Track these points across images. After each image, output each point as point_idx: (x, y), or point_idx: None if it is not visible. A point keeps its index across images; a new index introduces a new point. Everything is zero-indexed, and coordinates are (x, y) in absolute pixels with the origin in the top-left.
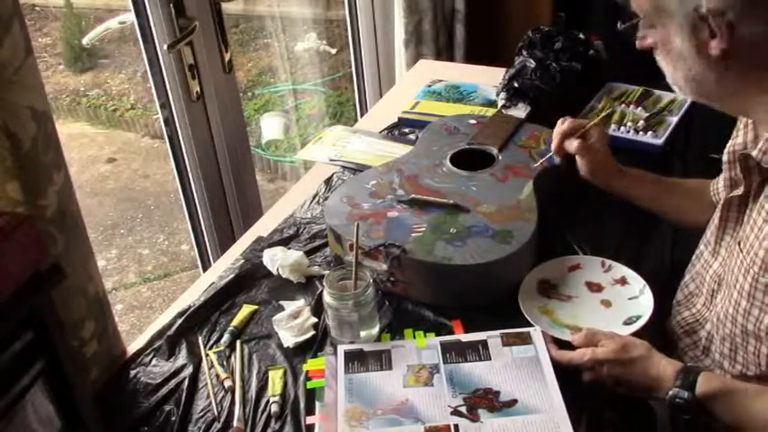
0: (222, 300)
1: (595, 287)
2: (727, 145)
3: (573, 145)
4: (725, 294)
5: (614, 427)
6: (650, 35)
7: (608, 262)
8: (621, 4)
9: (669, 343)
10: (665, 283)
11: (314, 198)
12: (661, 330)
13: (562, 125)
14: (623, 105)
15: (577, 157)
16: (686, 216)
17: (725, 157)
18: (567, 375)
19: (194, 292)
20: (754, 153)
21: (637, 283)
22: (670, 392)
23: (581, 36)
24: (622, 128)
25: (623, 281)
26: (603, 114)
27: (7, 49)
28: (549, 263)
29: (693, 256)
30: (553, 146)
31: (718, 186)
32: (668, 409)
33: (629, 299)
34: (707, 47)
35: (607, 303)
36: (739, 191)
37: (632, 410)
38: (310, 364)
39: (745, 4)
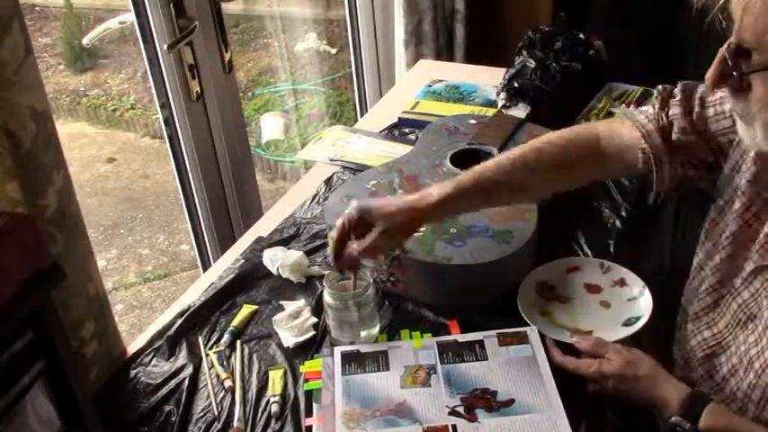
0: (222, 300)
1: (594, 288)
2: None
3: (354, 251)
4: (760, 340)
5: (615, 427)
6: (758, 81)
7: (607, 263)
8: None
9: (686, 362)
10: (665, 284)
11: (314, 198)
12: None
13: (331, 239)
14: (623, 105)
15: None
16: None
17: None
18: (569, 377)
19: (194, 292)
20: None
21: (636, 284)
22: (672, 419)
23: (581, 36)
24: None
25: (622, 282)
26: (354, 210)
27: (7, 49)
28: (547, 265)
29: (709, 265)
30: (334, 264)
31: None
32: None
33: (629, 300)
34: None
35: (606, 305)
36: None
37: (633, 411)
38: (307, 366)
39: None
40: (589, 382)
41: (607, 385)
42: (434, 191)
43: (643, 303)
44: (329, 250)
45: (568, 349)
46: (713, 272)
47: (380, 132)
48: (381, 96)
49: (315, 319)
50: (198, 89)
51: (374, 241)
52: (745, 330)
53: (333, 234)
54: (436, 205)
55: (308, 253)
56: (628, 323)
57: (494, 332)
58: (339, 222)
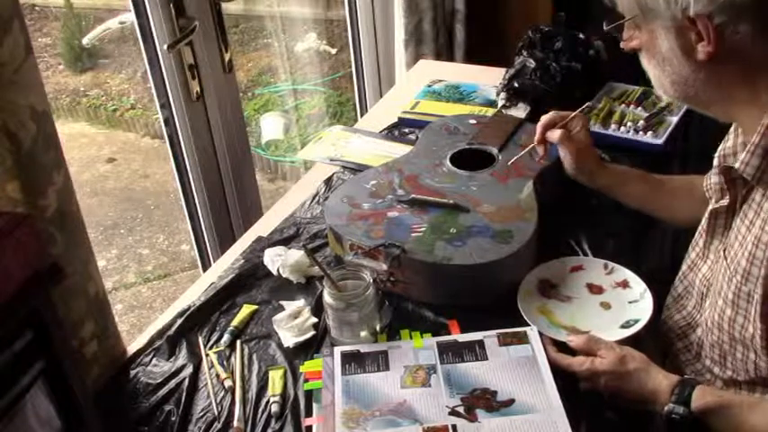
0: (222, 300)
1: (596, 289)
2: (719, 148)
3: (555, 134)
4: (712, 301)
5: (615, 427)
6: (636, 37)
7: (611, 264)
8: (609, 5)
9: (663, 345)
10: (666, 284)
11: (314, 198)
12: (654, 332)
13: (543, 121)
14: (623, 105)
15: (560, 150)
16: (677, 214)
17: (715, 161)
18: (568, 376)
19: (194, 292)
20: (736, 165)
21: (638, 286)
22: (666, 408)
23: (581, 36)
24: (622, 128)
25: (625, 284)
26: (584, 107)
27: (7, 49)
28: (550, 263)
29: (684, 258)
30: (536, 137)
31: (711, 182)
32: (665, 424)
33: (630, 302)
34: (694, 50)
35: (606, 306)
36: (725, 202)
37: (633, 411)
38: (307, 366)
39: (733, 8)
40: (582, 380)
41: (599, 383)
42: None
43: (643, 306)
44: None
45: (567, 347)
46: (685, 261)
47: (380, 132)
48: (381, 96)
49: (315, 319)
50: (198, 89)
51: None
52: (705, 302)
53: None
54: (606, 167)
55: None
56: (626, 325)
57: (494, 332)
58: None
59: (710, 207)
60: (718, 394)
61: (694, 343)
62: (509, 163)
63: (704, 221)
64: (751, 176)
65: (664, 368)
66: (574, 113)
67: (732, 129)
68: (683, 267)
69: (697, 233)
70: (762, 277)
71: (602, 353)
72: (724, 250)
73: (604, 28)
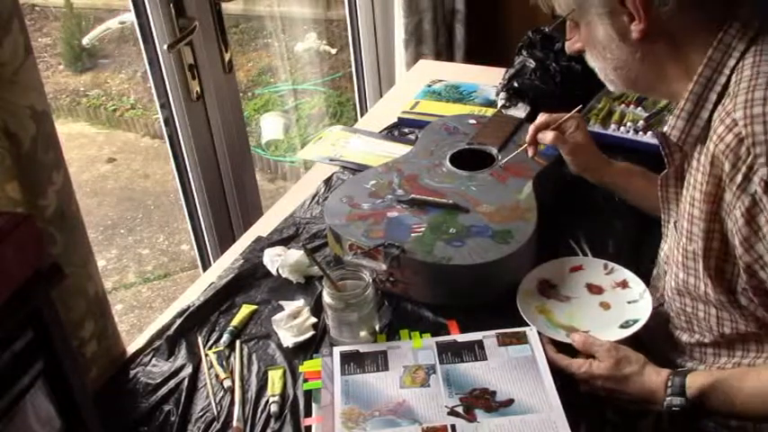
0: (222, 300)
1: (596, 289)
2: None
3: (547, 136)
4: (669, 271)
5: (615, 427)
6: (578, 39)
7: (611, 264)
8: (546, 11)
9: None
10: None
11: (314, 198)
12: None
13: (535, 122)
14: (623, 105)
15: (561, 151)
16: None
17: (657, 137)
18: (567, 376)
19: (194, 292)
20: (664, 129)
21: (638, 286)
22: (665, 402)
23: None
24: (622, 128)
25: (624, 284)
26: (577, 109)
27: (7, 49)
28: (550, 263)
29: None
30: (527, 137)
31: None
32: (668, 417)
33: (629, 302)
34: (628, 31)
35: (606, 306)
36: (668, 170)
37: (632, 411)
38: (306, 366)
39: None
40: (580, 382)
41: (597, 386)
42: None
43: (643, 306)
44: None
45: (565, 347)
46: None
47: (380, 132)
48: (381, 96)
49: (314, 319)
50: (198, 89)
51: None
52: (667, 278)
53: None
54: (606, 163)
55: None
56: (625, 325)
57: (493, 332)
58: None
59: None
60: (707, 374)
61: (663, 319)
62: (502, 163)
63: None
64: (677, 138)
65: (638, 348)
66: (567, 115)
67: None
68: (659, 253)
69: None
70: (701, 231)
71: (599, 355)
72: (675, 223)
73: (546, 30)
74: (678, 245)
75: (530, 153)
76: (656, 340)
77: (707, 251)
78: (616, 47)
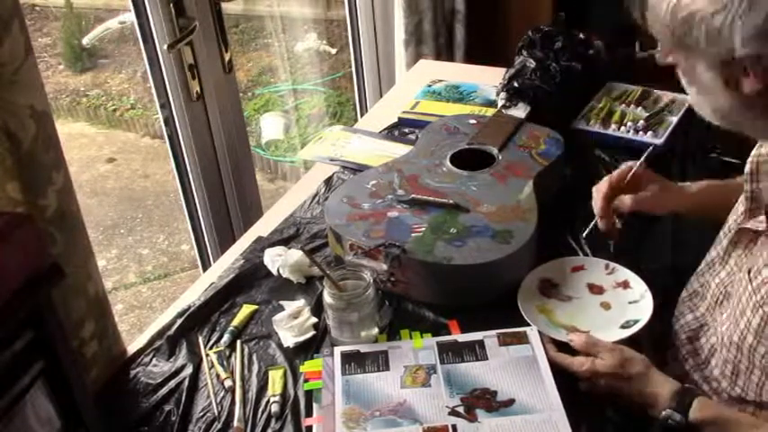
0: (222, 300)
1: (597, 289)
2: (752, 153)
3: (626, 204)
4: (731, 316)
5: (615, 427)
6: (674, 59)
7: (612, 264)
8: (639, 23)
9: (668, 345)
10: (666, 285)
11: (314, 198)
12: (664, 330)
13: (601, 189)
14: (623, 105)
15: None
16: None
17: (747, 167)
18: (568, 376)
19: (194, 292)
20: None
21: (639, 287)
22: (663, 413)
23: (581, 36)
24: (622, 128)
25: (626, 284)
26: (643, 158)
27: (7, 49)
28: (552, 262)
29: (705, 257)
30: (598, 210)
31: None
32: (659, 428)
33: (630, 303)
34: (738, 84)
35: (607, 306)
36: (761, 226)
37: (632, 411)
38: (307, 366)
39: None
40: (581, 380)
41: (599, 384)
42: (692, 185)
43: (643, 307)
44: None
45: (566, 347)
46: (705, 260)
47: (380, 132)
48: (381, 96)
49: (315, 319)
50: (198, 89)
51: (649, 198)
52: (721, 309)
53: (602, 186)
54: (689, 196)
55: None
56: (626, 326)
57: (494, 332)
58: (625, 168)
59: (738, 223)
60: (719, 409)
61: (705, 349)
62: (583, 236)
63: (731, 225)
64: None
65: (664, 369)
66: (632, 171)
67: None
68: (702, 265)
69: (721, 232)
70: None
71: (602, 355)
72: (750, 270)
73: (637, 54)
74: (753, 305)
75: (602, 227)
76: (685, 365)
77: None
78: (720, 94)
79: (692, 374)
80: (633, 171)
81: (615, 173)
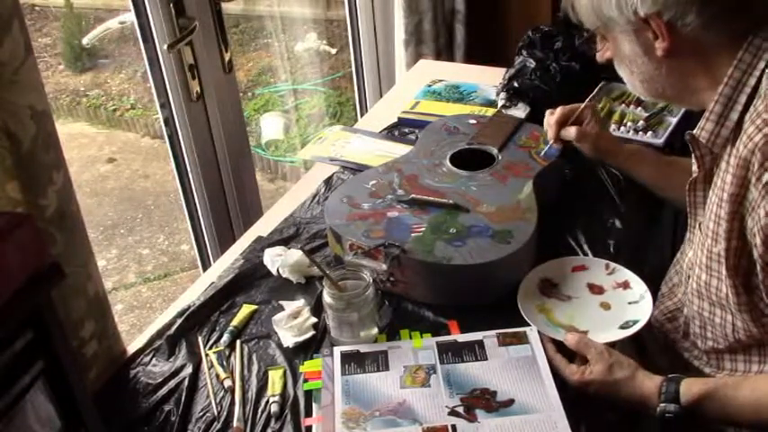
0: (222, 300)
1: (597, 289)
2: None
3: (571, 132)
4: (692, 274)
5: (614, 427)
6: (607, 48)
7: (612, 265)
8: (576, 22)
9: (654, 332)
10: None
11: (314, 198)
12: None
13: (553, 115)
14: (623, 105)
15: (581, 147)
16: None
17: (686, 140)
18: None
19: (194, 292)
20: (695, 131)
21: (639, 287)
22: (658, 409)
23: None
24: (622, 128)
25: (626, 285)
26: (594, 93)
27: (7, 49)
28: (552, 262)
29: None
30: (550, 135)
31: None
32: (660, 424)
33: (629, 303)
34: (652, 48)
35: (606, 306)
36: (696, 174)
37: (631, 411)
38: (307, 366)
39: (678, 4)
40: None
41: (589, 392)
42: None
43: (643, 307)
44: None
45: (566, 346)
46: (677, 255)
47: (380, 132)
48: (381, 96)
49: (314, 319)
50: (198, 89)
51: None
52: (690, 281)
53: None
54: (622, 149)
55: (308, 253)
56: (625, 326)
57: (493, 332)
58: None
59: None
60: (704, 381)
61: (681, 323)
62: (540, 155)
63: (686, 201)
64: (706, 140)
65: (659, 351)
66: (583, 105)
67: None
68: (676, 257)
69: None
70: (724, 232)
71: (591, 357)
72: (699, 224)
73: (576, 44)
74: (703, 246)
75: (555, 147)
76: (672, 346)
77: (729, 251)
78: (641, 62)
79: (677, 351)
80: (584, 105)
81: (570, 107)
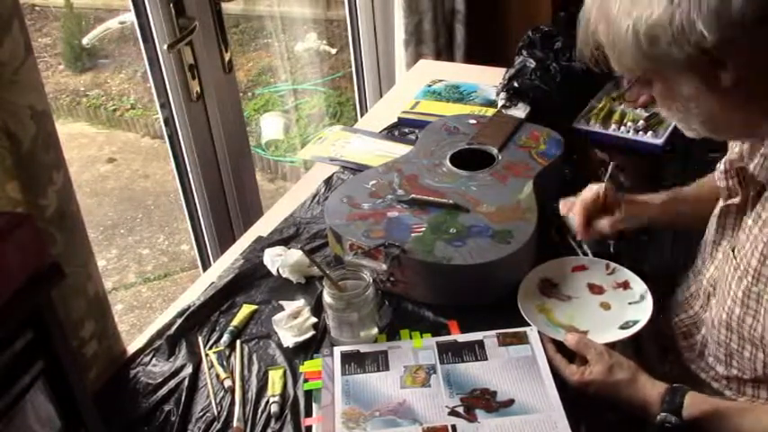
0: (222, 300)
1: (597, 289)
2: (724, 159)
3: (606, 226)
4: (719, 300)
5: (614, 427)
6: (643, 92)
7: (613, 265)
8: (604, 71)
9: (666, 343)
10: (666, 285)
11: (314, 198)
12: (659, 331)
13: (576, 212)
14: (623, 105)
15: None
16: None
17: (720, 167)
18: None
19: (194, 292)
20: (750, 167)
21: (639, 288)
22: (658, 417)
23: None
24: (622, 128)
25: (626, 285)
26: (607, 175)
27: (7, 49)
28: (553, 262)
29: (692, 267)
30: (579, 232)
31: (720, 186)
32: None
33: (629, 303)
34: (717, 79)
35: (606, 306)
36: (736, 200)
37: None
38: (306, 366)
39: (746, 25)
40: (572, 388)
41: (589, 392)
42: (658, 196)
43: (643, 307)
44: (574, 221)
45: (565, 347)
46: (692, 270)
47: (380, 132)
48: (381, 96)
49: (314, 319)
50: (198, 89)
51: (624, 218)
52: (711, 302)
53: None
54: (657, 206)
55: (308, 253)
56: (625, 326)
57: (494, 332)
58: (594, 192)
59: (720, 205)
60: (710, 402)
61: (698, 342)
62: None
63: (713, 222)
64: (765, 180)
65: (666, 365)
66: (601, 193)
67: (731, 143)
68: (690, 275)
69: (708, 233)
70: None
71: (591, 358)
72: (733, 249)
73: (615, 95)
74: (738, 278)
75: (585, 238)
76: (678, 358)
77: None
78: (704, 98)
79: (690, 369)
80: (602, 193)
81: (586, 197)
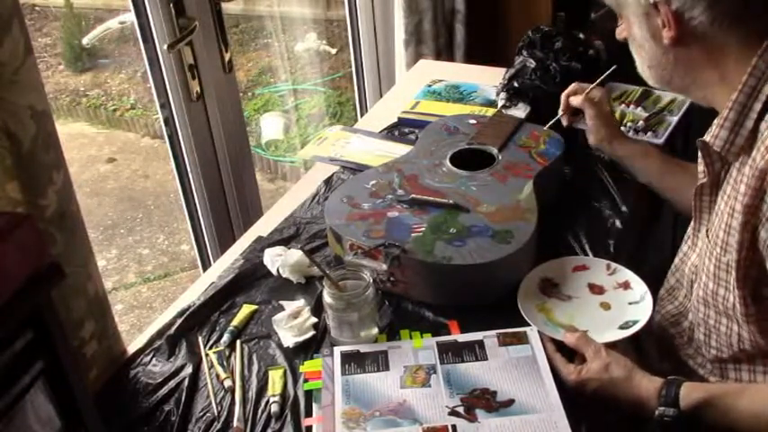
0: (222, 300)
1: (597, 289)
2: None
3: (578, 99)
4: (698, 280)
5: (614, 427)
6: (624, 27)
7: (613, 265)
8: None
9: (657, 333)
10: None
11: (314, 198)
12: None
13: (567, 90)
14: (623, 105)
15: (587, 116)
16: (683, 196)
17: (698, 146)
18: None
19: (194, 292)
20: (707, 138)
21: (639, 288)
22: (657, 412)
23: (581, 36)
24: (622, 128)
25: (626, 285)
26: (604, 75)
27: (7, 49)
28: (553, 261)
29: (677, 253)
30: (561, 107)
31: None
32: (658, 429)
33: (630, 303)
34: (660, 35)
35: (606, 306)
36: (705, 179)
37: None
38: (307, 366)
39: None
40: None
41: (587, 391)
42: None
43: (643, 307)
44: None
45: (565, 346)
46: (678, 255)
47: (380, 132)
48: (381, 96)
49: (315, 319)
50: (198, 89)
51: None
52: (694, 288)
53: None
54: (624, 140)
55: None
56: (624, 326)
57: (494, 332)
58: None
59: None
60: (704, 388)
61: (686, 329)
62: (545, 128)
63: (692, 205)
64: (720, 148)
65: (660, 356)
66: (594, 84)
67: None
68: (675, 261)
69: (689, 227)
70: (736, 243)
71: (588, 355)
72: (707, 231)
73: (591, 17)
74: (710, 254)
75: (564, 122)
76: (675, 352)
77: (740, 262)
78: (650, 47)
79: (681, 358)
80: (596, 83)
81: (583, 84)
